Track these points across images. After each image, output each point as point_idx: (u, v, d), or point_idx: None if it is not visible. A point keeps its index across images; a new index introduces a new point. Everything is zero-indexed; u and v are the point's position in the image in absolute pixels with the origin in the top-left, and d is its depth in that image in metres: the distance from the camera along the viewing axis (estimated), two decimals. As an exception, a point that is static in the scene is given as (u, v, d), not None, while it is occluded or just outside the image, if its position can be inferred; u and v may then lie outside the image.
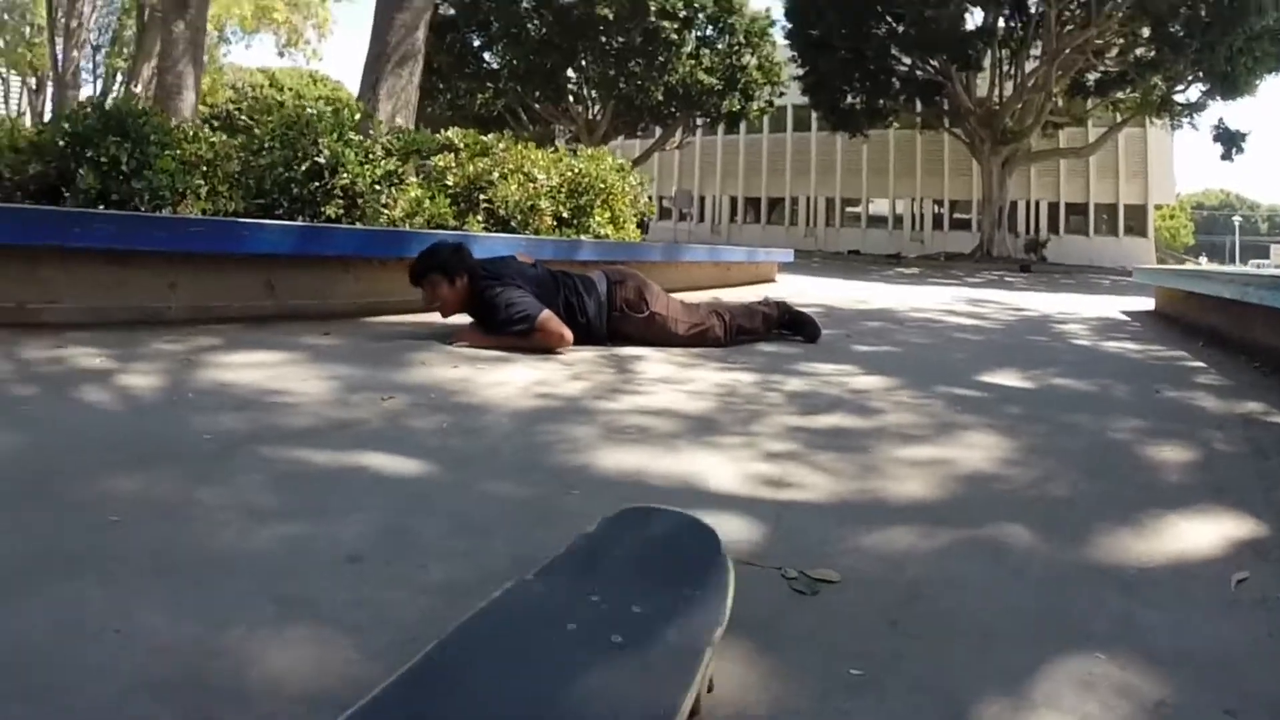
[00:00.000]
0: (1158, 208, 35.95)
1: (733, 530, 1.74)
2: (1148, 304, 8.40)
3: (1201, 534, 1.86)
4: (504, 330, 3.85)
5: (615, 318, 4.17)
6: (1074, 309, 8.46)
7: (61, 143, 5.31)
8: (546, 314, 3.88)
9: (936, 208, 37.79)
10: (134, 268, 3.84)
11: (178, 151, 5.56)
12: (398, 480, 1.97)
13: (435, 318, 4.47)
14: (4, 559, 1.43)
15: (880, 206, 39.61)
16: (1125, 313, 7.97)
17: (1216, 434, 2.80)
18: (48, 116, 27.49)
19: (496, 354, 3.68)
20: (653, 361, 3.74)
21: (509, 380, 3.15)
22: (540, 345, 3.83)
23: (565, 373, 3.37)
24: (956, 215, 37.05)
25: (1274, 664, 1.30)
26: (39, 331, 3.39)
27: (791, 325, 4.77)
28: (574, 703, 0.96)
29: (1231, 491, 2.16)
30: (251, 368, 3.12)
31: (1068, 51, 23.42)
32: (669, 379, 3.37)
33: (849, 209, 40.38)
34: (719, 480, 2.08)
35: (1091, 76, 25.52)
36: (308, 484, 1.91)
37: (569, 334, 3.90)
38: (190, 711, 1.05)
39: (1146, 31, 22.74)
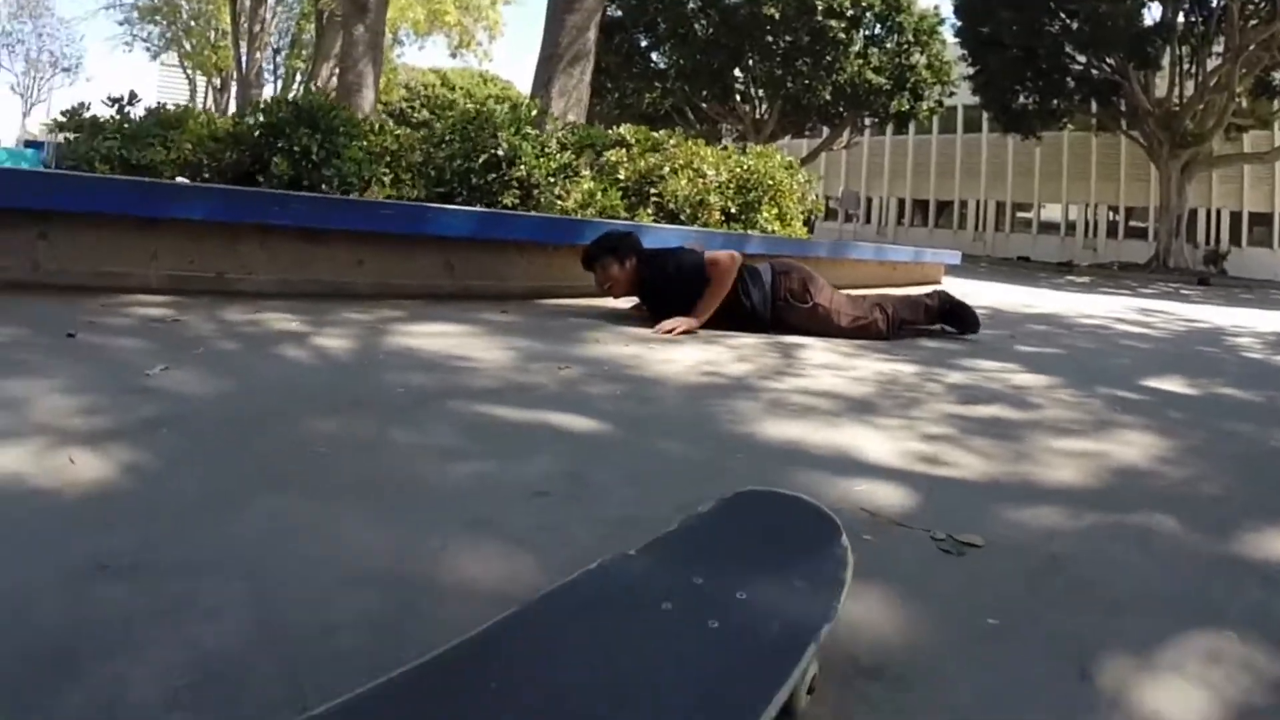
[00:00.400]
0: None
1: (885, 496, 1.89)
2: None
3: None
4: (680, 289, 4.17)
5: (779, 307, 4.34)
6: (1250, 323, 8.11)
7: (257, 133, 5.85)
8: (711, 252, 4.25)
9: (1111, 214, 36.17)
10: (325, 245, 4.23)
11: (364, 143, 6.02)
12: (575, 435, 2.20)
13: (605, 302, 4.75)
14: (223, 478, 1.68)
15: (1052, 212, 38.21)
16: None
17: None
18: (230, 113, 29.57)
19: (667, 337, 3.90)
20: (816, 350, 3.88)
21: (678, 359, 3.35)
22: (722, 287, 4.16)
23: (731, 354, 3.56)
24: (1132, 223, 35.35)
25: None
26: (235, 299, 3.77)
27: (952, 316, 4.86)
28: (653, 686, 0.92)
29: None
30: (435, 337, 3.43)
31: (1252, 48, 21.99)
32: (831, 365, 3.51)
33: (1019, 214, 39.10)
34: (875, 453, 2.23)
35: (1278, 76, 23.94)
36: (494, 433, 2.16)
37: (737, 254, 4.23)
38: (391, 601, 1.26)
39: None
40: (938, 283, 10.24)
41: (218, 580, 1.28)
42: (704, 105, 29.56)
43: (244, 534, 1.44)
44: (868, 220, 42.42)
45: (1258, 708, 1.19)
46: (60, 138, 6.70)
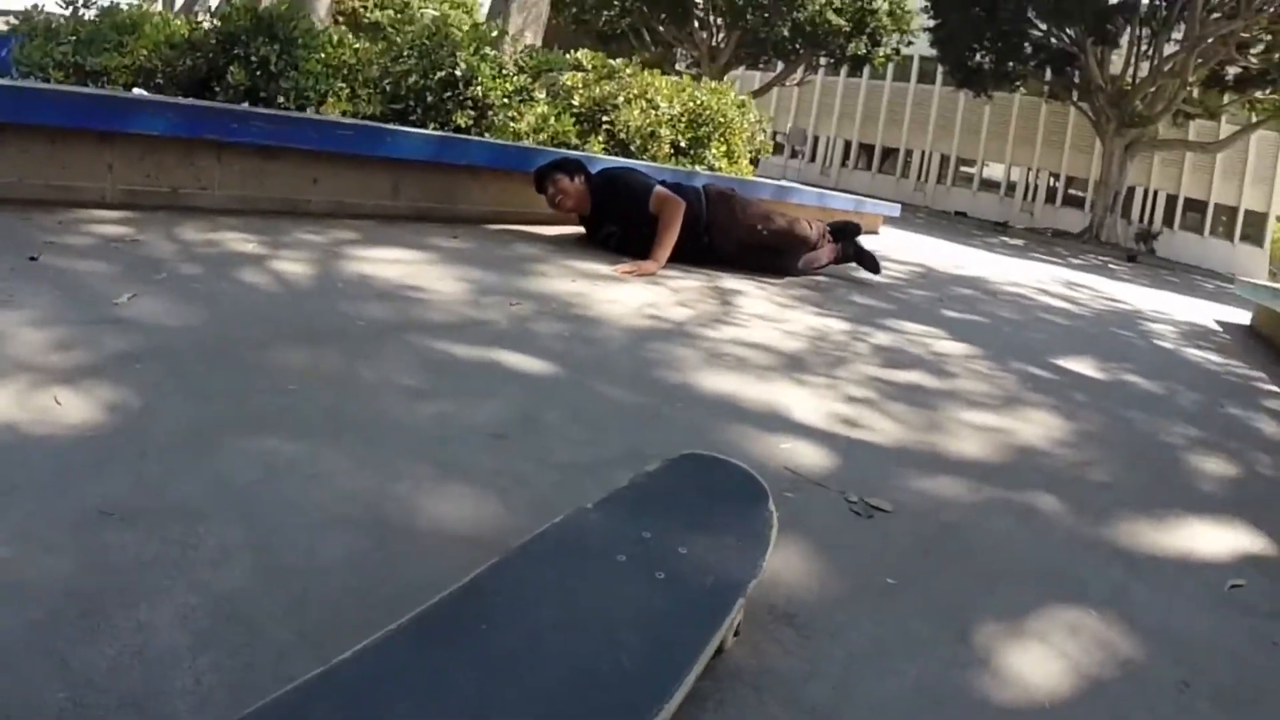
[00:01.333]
0: (1279, 219, 34.60)
1: (807, 455, 2.08)
2: (1245, 317, 8.36)
3: (1215, 540, 2.10)
4: (625, 211, 4.51)
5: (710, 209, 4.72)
6: (1168, 309, 8.47)
7: (214, 40, 5.73)
8: (660, 189, 4.53)
9: (1052, 180, 36.86)
10: (281, 162, 4.19)
11: (322, 55, 5.95)
12: (527, 376, 2.34)
13: (550, 229, 4.86)
14: (203, 416, 1.76)
15: (994, 171, 38.76)
16: (1219, 322, 7.96)
17: (1264, 458, 2.97)
18: (178, 5, 28.39)
19: (608, 274, 4.03)
20: (753, 298, 4.04)
21: (622, 300, 3.49)
22: (671, 230, 4.40)
23: (672, 297, 3.70)
24: (1070, 191, 36.08)
25: (1235, 659, 1.54)
26: (191, 215, 3.74)
27: (859, 257, 5.34)
28: (612, 626, 1.08)
29: (1257, 511, 2.34)
30: (389, 264, 3.48)
31: (1210, 41, 22.50)
32: (767, 316, 3.67)
33: (962, 169, 39.60)
34: (802, 412, 2.41)
35: (1232, 70, 24.48)
36: (452, 371, 2.29)
37: (682, 204, 4.48)
38: (374, 542, 1.40)
39: (1294, 34, 21.73)
40: (875, 233, 10.47)
41: (216, 524, 1.38)
42: (661, 28, 29.23)
43: (232, 476, 1.54)
44: (812, 159, 42.61)
45: (1106, 680, 1.39)
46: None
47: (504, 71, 6.61)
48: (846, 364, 3.09)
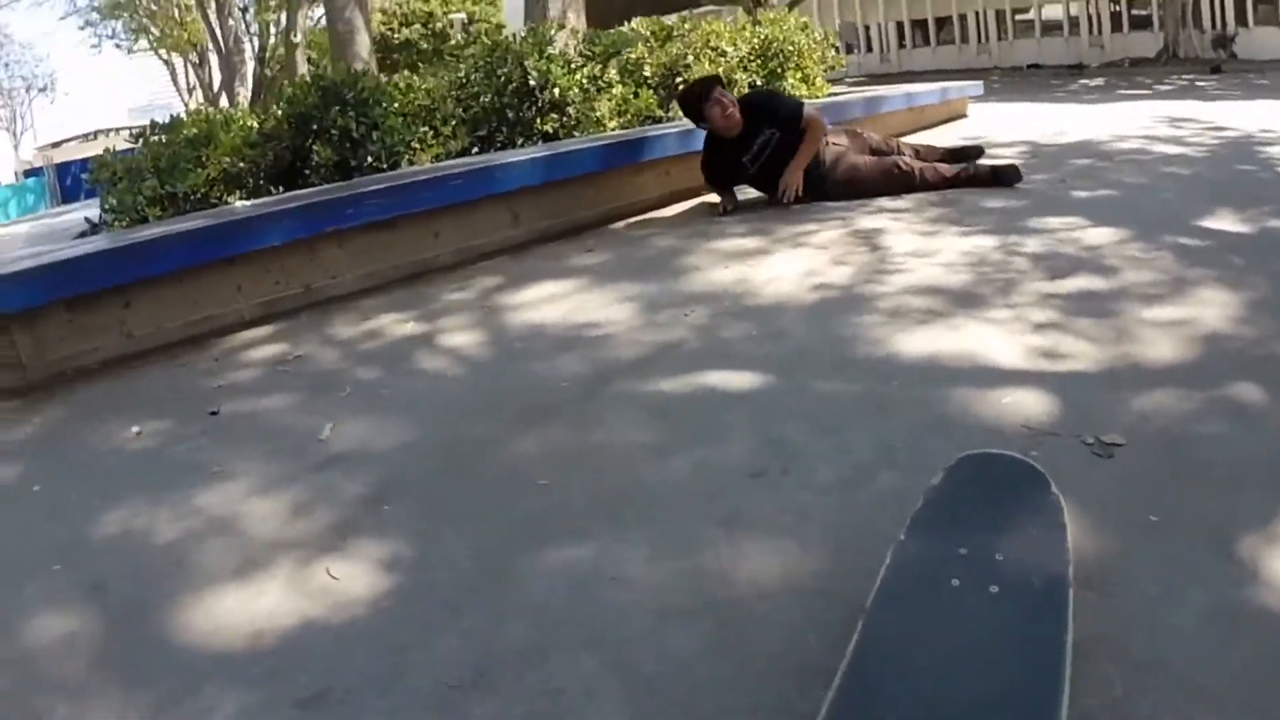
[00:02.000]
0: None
1: (1031, 405, 2.27)
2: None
3: None
4: (786, 121, 4.89)
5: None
6: (1274, 124, 8.16)
7: (288, 125, 5.86)
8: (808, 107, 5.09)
9: (1114, 5, 35.15)
10: (400, 229, 4.27)
11: (396, 105, 6.06)
12: (744, 395, 2.49)
13: (666, 211, 5.24)
14: (484, 544, 1.81)
15: (1053, 11, 37.10)
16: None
17: None
18: (216, 85, 28.87)
19: (757, 246, 4.16)
20: (893, 234, 4.13)
21: (780, 275, 3.63)
22: (814, 144, 4.87)
23: (824, 257, 3.82)
24: (1135, 12, 34.37)
25: None
26: (330, 308, 3.75)
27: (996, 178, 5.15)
28: (981, 652, 1.21)
29: None
30: (548, 303, 3.53)
31: None
32: (919, 252, 3.76)
33: (1019, 17, 38.07)
34: (1004, 356, 2.58)
35: None
36: (675, 412, 2.41)
37: (824, 121, 4.98)
38: (713, 622, 1.51)
39: None
40: (964, 115, 10.31)
41: (563, 661, 1.44)
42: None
43: (548, 603, 1.61)
44: (869, 49, 41.49)
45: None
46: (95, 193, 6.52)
47: (572, 65, 6.72)
48: (1016, 287, 3.19)
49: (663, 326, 3.17)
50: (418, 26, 32.62)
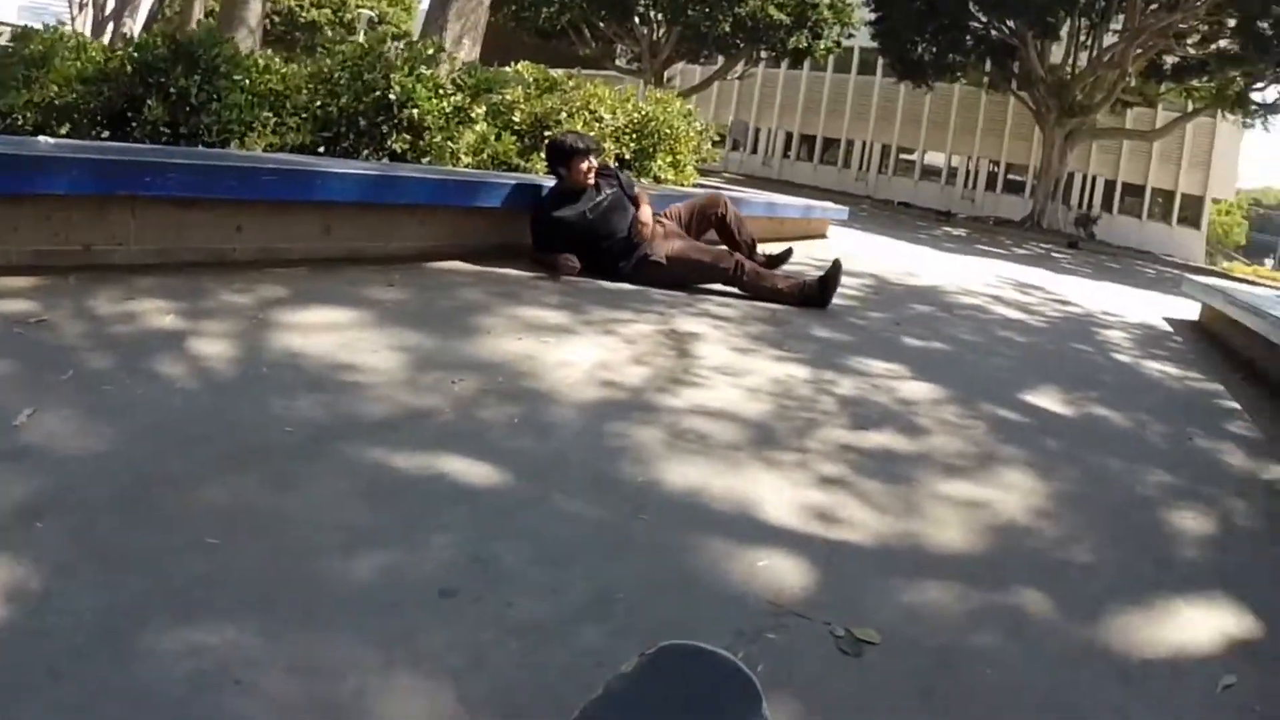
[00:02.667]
0: (1215, 201, 35.16)
1: (787, 574, 1.92)
2: (1192, 310, 8.37)
3: (1203, 626, 2.03)
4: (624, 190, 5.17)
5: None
6: (1118, 308, 8.45)
7: (130, 71, 5.37)
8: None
9: (992, 167, 37.18)
10: (201, 211, 3.89)
11: (246, 83, 5.63)
12: (475, 492, 2.10)
13: (490, 268, 4.74)
14: (120, 600, 1.50)
15: (935, 159, 39.00)
16: (1168, 320, 7.97)
17: (1238, 504, 2.91)
18: (109, 8, 27.04)
19: (562, 322, 3.83)
20: (711, 343, 3.85)
21: (572, 361, 3.28)
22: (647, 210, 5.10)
23: (627, 352, 3.50)
24: (1010, 178, 36.45)
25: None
26: (106, 277, 3.41)
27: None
28: None
29: (1240, 582, 2.28)
30: (321, 331, 3.17)
31: (1148, 32, 22.80)
32: (727, 369, 3.48)
33: (903, 157, 39.79)
34: (775, 509, 2.24)
35: (1169, 60, 24.85)
36: (391, 495, 2.03)
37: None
38: None
39: (1233, 23, 22.10)
40: (824, 236, 10.38)
41: None
42: (601, 24, 28.93)
43: (156, 690, 1.30)
44: (754, 150, 42.54)
45: None
46: None
47: (441, 91, 6.36)
48: (814, 429, 2.93)
49: (424, 390, 2.77)
50: (328, 11, 31.74)
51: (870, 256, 9.41)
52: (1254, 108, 24.29)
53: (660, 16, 28.66)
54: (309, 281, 3.90)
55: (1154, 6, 22.56)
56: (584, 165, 4.95)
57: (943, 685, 1.62)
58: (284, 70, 6.18)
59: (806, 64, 34.23)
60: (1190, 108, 26.28)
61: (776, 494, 2.33)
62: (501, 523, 1.96)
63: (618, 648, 1.46)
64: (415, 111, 6.00)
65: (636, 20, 29.02)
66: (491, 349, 3.29)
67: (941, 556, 2.15)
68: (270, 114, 5.72)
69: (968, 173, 37.68)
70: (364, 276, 4.16)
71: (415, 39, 6.93)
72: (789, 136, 42.77)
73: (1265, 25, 20.63)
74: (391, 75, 6.02)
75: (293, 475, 2.07)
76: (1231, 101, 24.04)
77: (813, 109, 41.29)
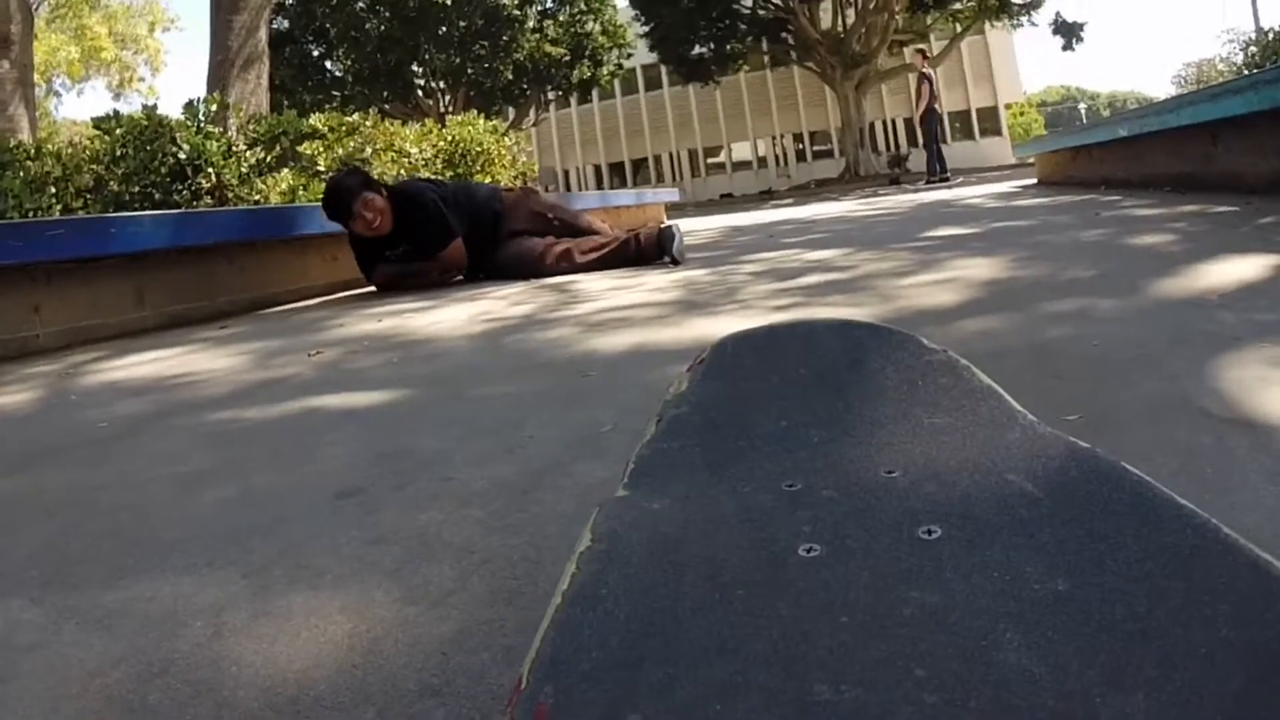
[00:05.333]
0: (1008, 106, 36.94)
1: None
2: (1029, 181, 8.47)
3: (1245, 266, 1.84)
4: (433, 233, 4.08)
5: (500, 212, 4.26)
6: (964, 194, 8.48)
7: None
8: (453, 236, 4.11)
9: (798, 143, 38.14)
10: None
11: (21, 172, 5.06)
12: (366, 411, 1.62)
13: (336, 298, 4.19)
14: None
15: (742, 150, 39.79)
16: (1014, 187, 8.02)
17: (1177, 223, 2.73)
18: None
19: (421, 303, 3.37)
20: (588, 282, 3.46)
21: (446, 319, 2.84)
22: (449, 264, 4.16)
23: (504, 304, 3.07)
24: (817, 146, 37.48)
25: None
26: None
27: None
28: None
29: (1230, 243, 2.13)
30: (144, 365, 2.66)
31: (902, -31, 23.78)
32: (619, 286, 3.11)
33: (711, 158, 40.49)
34: (752, 324, 1.85)
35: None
36: (249, 437, 1.53)
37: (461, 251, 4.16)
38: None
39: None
40: (662, 221, 10.19)
41: None
42: (386, 106, 28.51)
43: None
44: (568, 191, 42.66)
45: None
46: None
47: (234, 149, 5.86)
48: (741, 289, 2.58)
49: (274, 367, 2.27)
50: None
51: (713, 222, 9.26)
52: (1015, 8, 25.47)
53: (442, 84, 28.42)
54: (129, 344, 3.34)
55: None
56: (361, 225, 4.04)
57: (1072, 360, 1.28)
58: (61, 151, 5.58)
59: (596, 95, 34.57)
60: (958, 29, 27.44)
61: (732, 323, 1.95)
62: (408, 423, 1.49)
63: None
64: (211, 172, 5.49)
65: (420, 94, 28.70)
66: (348, 332, 2.81)
67: (953, 307, 1.82)
68: (54, 200, 5.13)
69: (776, 153, 38.59)
70: (190, 331, 3.62)
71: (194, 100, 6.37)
72: (598, 169, 43.08)
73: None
74: (177, 136, 5.49)
75: (108, 455, 1.52)
76: (994, 10, 25.16)
77: (613, 136, 41.76)
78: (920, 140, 17.76)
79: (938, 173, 15.39)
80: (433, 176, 5.36)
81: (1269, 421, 0.92)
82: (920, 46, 20.12)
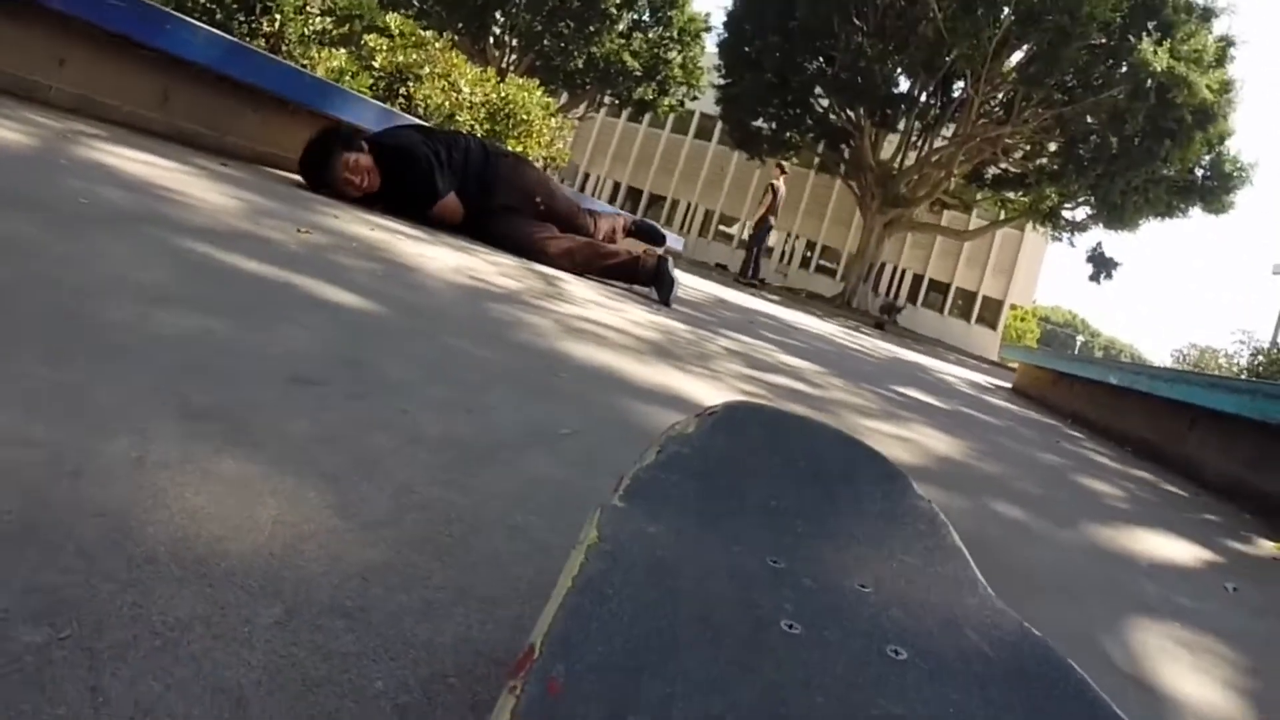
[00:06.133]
0: (1013, 307, 37.81)
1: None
2: (1004, 382, 8.64)
3: (1177, 549, 1.87)
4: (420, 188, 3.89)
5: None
6: (940, 368, 8.63)
7: None
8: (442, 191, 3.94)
9: (807, 250, 38.63)
10: (19, 26, 3.23)
11: None
12: (337, 308, 1.61)
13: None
14: None
15: (755, 233, 40.18)
16: (989, 383, 8.17)
17: (1128, 483, 2.79)
18: None
19: (415, 232, 3.35)
20: (578, 286, 3.47)
21: (434, 257, 2.82)
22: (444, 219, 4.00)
23: (492, 269, 3.06)
24: (822, 261, 37.99)
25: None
26: None
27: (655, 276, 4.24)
28: None
29: (1172, 524, 2.15)
30: (141, 165, 2.60)
31: (978, 140, 24.30)
32: (602, 304, 3.12)
33: (723, 226, 40.82)
34: (707, 397, 1.86)
35: (992, 170, 26.61)
36: (219, 279, 1.50)
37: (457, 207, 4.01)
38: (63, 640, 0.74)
39: (1055, 146, 23.87)
40: (657, 253, 10.22)
41: None
42: (455, 38, 28.41)
43: None
44: (580, 192, 42.64)
45: None
46: None
47: (307, 7, 5.80)
48: (714, 360, 2.60)
49: (263, 225, 2.24)
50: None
51: (702, 285, 9.31)
52: (1063, 224, 26.14)
53: (516, 41, 28.41)
54: (132, 136, 3.27)
55: (984, 120, 24.04)
56: (336, 181, 3.73)
57: (978, 561, 1.29)
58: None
59: (647, 118, 34.77)
60: (1002, 216, 28.08)
61: (699, 389, 1.96)
62: (377, 336, 1.47)
63: (578, 474, 1.05)
64: (278, 18, 5.42)
65: (491, 41, 28.65)
66: (339, 226, 2.78)
67: (906, 466, 1.82)
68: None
69: (784, 249, 39.00)
70: (193, 154, 3.55)
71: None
72: (616, 186, 43.20)
73: (1085, 150, 22.27)
74: (257, -35, 5.42)
75: (85, 233, 1.48)
76: (1043, 215, 25.81)
77: (644, 163, 41.96)
78: (749, 243, 19.20)
79: (749, 276, 17.50)
80: (420, 123, 4.97)
81: (1162, 689, 0.96)
82: (781, 161, 20.63)
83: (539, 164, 8.57)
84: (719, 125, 33.15)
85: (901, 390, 3.67)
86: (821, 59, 25.34)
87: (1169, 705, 0.93)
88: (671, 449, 0.68)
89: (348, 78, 5.99)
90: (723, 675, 0.39)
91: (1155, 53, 19.39)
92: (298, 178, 3.94)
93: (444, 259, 2.86)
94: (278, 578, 0.61)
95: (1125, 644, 1.09)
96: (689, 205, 41.31)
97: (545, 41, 26.76)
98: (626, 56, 26.94)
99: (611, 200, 42.79)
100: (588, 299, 3.12)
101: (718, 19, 40.18)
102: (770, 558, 0.54)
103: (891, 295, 34.52)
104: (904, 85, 25.88)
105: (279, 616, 0.57)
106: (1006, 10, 20.71)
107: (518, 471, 1.00)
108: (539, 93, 8.60)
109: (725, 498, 0.62)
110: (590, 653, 0.38)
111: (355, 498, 0.78)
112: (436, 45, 7.51)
